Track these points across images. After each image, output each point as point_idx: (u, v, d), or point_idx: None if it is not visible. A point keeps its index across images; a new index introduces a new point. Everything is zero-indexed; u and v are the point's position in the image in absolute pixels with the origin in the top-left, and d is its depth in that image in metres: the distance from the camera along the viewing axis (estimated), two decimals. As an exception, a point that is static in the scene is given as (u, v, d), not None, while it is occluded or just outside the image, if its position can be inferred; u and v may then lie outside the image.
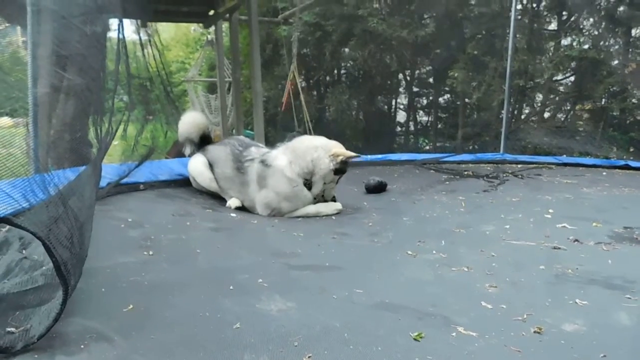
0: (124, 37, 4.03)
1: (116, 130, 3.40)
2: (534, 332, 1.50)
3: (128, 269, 1.93)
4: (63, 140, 3.51)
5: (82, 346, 1.30)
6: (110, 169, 3.44)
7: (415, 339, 1.44)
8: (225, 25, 10.22)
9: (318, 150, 3.19)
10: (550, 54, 9.19)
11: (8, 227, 2.07)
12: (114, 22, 3.91)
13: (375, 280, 1.95)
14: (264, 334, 1.43)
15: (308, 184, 3.19)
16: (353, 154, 3.22)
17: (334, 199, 3.34)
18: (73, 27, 2.93)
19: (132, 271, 1.90)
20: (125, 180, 3.41)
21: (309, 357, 1.31)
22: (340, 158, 3.17)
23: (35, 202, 1.47)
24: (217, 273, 1.98)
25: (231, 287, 1.80)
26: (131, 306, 1.57)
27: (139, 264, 2.00)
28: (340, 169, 3.21)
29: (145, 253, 2.15)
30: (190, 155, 3.74)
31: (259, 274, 1.95)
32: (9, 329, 1.32)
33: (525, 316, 1.61)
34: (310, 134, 8.71)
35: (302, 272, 2.04)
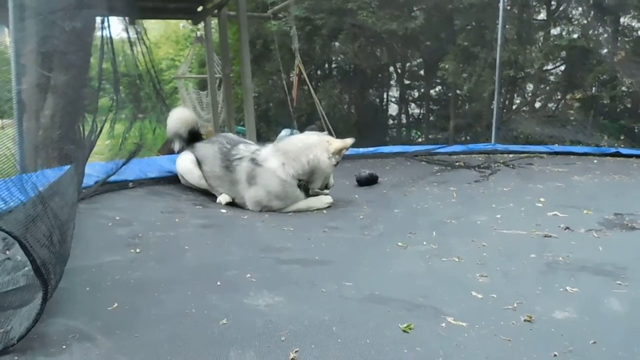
0: (110, 34, 3.98)
1: (101, 129, 3.35)
2: (524, 320, 1.49)
3: (114, 267, 1.90)
4: (47, 139, 3.47)
5: (64, 347, 1.28)
6: (98, 167, 3.40)
7: (404, 331, 1.43)
8: (214, 22, 10.13)
9: (313, 150, 3.12)
10: (540, 43, 9.21)
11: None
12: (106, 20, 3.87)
13: (365, 273, 1.93)
14: (251, 330, 1.41)
15: (302, 184, 3.15)
16: (350, 140, 3.21)
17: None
18: (51, 23, 2.88)
19: (119, 269, 1.87)
20: (114, 178, 3.36)
21: (296, 351, 1.29)
22: (344, 151, 3.16)
23: (14, 203, 1.44)
24: (205, 269, 1.95)
25: (219, 284, 1.78)
26: (116, 305, 1.54)
27: (125, 262, 1.97)
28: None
29: (132, 251, 2.12)
30: (179, 152, 3.70)
31: (248, 269, 1.92)
32: (-11, 331, 1.29)
33: (515, 305, 1.60)
34: (327, 125, 8.61)
35: (292, 267, 2.02)
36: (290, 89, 9.35)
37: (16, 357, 1.22)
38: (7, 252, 1.87)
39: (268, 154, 3.19)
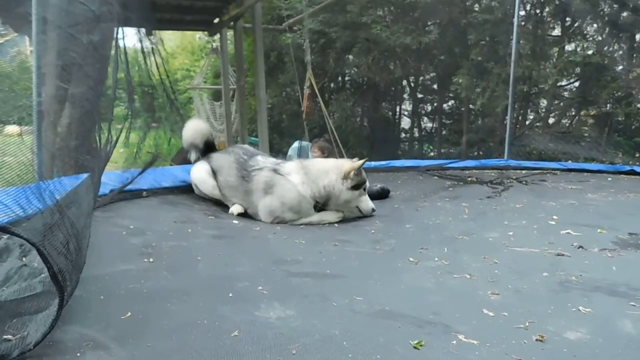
0: (124, 45, 4.07)
1: (117, 139, 3.41)
2: (536, 340, 1.48)
3: (128, 276, 1.93)
4: (63, 148, 3.53)
5: (78, 354, 1.30)
6: (114, 176, 3.45)
7: (415, 347, 1.43)
8: (230, 33, 10.26)
9: (329, 174, 3.17)
10: (554, 59, 9.17)
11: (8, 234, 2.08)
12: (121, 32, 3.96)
13: (376, 288, 1.93)
14: (262, 342, 1.42)
15: (317, 206, 3.19)
16: (359, 162, 3.20)
17: (374, 210, 3.30)
18: (69, 36, 2.95)
19: (132, 279, 1.89)
20: (128, 187, 3.41)
21: (307, 365, 1.30)
22: (352, 174, 3.15)
23: (32, 211, 1.47)
24: (216, 281, 1.97)
25: (230, 295, 1.79)
26: (129, 314, 1.56)
27: (139, 272, 2.00)
28: (360, 181, 3.20)
29: (145, 260, 2.15)
30: (195, 162, 3.75)
31: (259, 281, 1.94)
32: (5, 337, 1.32)
33: (527, 324, 1.59)
34: (336, 139, 8.66)
35: (303, 280, 2.03)
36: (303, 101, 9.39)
37: (32, 364, 1.24)
38: (24, 259, 1.90)
39: (292, 168, 3.25)
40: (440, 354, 1.39)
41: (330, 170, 3.19)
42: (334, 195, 3.17)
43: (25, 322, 1.36)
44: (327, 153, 6.54)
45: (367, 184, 3.30)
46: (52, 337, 1.34)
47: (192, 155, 3.78)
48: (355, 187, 3.18)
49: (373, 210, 3.30)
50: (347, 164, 3.21)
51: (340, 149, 8.28)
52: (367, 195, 3.30)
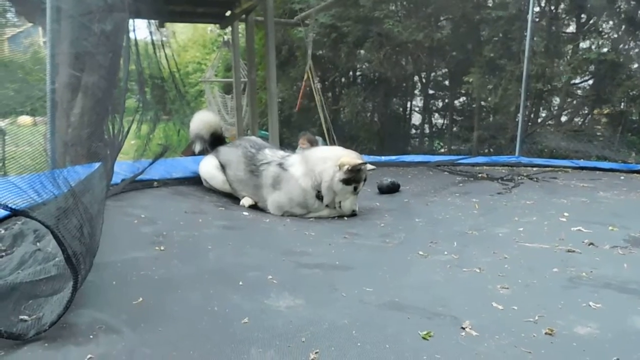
0: (135, 37, 4.09)
1: (129, 129, 3.43)
2: (546, 333, 1.48)
3: (139, 263, 1.95)
4: (76, 137, 3.57)
5: (91, 337, 1.32)
6: (125, 166, 3.49)
7: (424, 338, 1.43)
8: (241, 26, 10.26)
9: (327, 162, 3.09)
10: (569, 57, 9.07)
11: (23, 219, 2.11)
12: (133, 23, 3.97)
13: (385, 280, 1.94)
14: (271, 330, 1.43)
15: (320, 196, 3.13)
16: (359, 161, 3.05)
17: (354, 213, 3.19)
18: (81, 25, 2.98)
19: (143, 266, 1.92)
20: (139, 177, 3.44)
21: (316, 353, 1.31)
22: (345, 168, 3.03)
23: (47, 196, 1.50)
24: (227, 269, 1.99)
25: (240, 284, 1.81)
26: (140, 299, 1.58)
27: (150, 259, 2.02)
28: (353, 179, 3.07)
29: (156, 249, 2.17)
30: (200, 153, 3.76)
31: (269, 271, 1.95)
32: (22, 317, 1.35)
33: (536, 318, 1.58)
34: (328, 134, 8.72)
35: (312, 271, 2.04)
36: (312, 95, 9.42)
37: (47, 344, 1.26)
38: (38, 244, 1.93)
39: (295, 161, 3.21)
40: (449, 345, 1.40)
41: (329, 158, 3.10)
42: (324, 182, 3.06)
43: (40, 304, 1.39)
44: (314, 145, 6.57)
45: (361, 186, 3.16)
46: (66, 320, 1.36)
47: (197, 147, 3.77)
48: (346, 182, 3.06)
49: (354, 212, 3.18)
50: (347, 157, 3.08)
51: (334, 141, 8.34)
52: (355, 197, 3.17)
